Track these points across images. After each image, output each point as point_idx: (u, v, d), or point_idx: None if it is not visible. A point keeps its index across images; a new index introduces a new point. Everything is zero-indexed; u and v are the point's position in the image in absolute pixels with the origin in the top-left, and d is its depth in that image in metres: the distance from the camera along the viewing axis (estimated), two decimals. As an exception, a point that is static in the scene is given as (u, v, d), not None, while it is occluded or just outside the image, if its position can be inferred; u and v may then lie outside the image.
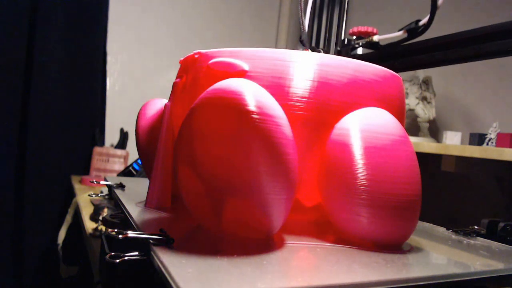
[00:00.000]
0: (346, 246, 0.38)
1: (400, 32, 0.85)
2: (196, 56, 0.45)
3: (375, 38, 0.93)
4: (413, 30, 0.81)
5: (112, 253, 0.32)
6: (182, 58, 0.50)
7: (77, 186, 1.27)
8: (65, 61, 1.49)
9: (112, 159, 1.42)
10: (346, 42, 1.00)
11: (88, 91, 1.53)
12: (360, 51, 0.96)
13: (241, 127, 0.33)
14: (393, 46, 0.84)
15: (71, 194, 1.33)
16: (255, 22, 1.89)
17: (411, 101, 1.15)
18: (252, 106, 0.33)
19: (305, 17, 0.57)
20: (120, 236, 0.31)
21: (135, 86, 1.66)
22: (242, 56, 0.41)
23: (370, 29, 0.95)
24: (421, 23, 0.81)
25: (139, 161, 1.21)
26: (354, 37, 0.98)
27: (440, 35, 0.74)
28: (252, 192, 0.33)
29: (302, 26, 0.55)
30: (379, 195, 0.36)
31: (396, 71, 0.46)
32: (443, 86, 1.23)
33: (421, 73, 1.18)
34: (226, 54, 0.42)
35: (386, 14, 1.49)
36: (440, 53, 0.73)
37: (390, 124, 0.39)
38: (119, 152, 1.43)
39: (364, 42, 0.94)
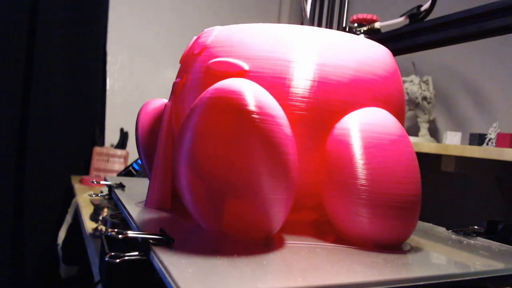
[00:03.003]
0: (346, 246, 0.38)
1: (402, 18, 0.85)
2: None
3: (377, 25, 0.93)
4: (415, 15, 0.81)
5: (112, 253, 0.32)
6: (182, 58, 0.50)
7: (77, 186, 1.27)
8: (65, 61, 1.49)
9: (112, 159, 1.42)
10: (347, 30, 1.00)
11: (88, 91, 1.53)
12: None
13: (241, 127, 0.33)
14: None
15: (71, 194, 1.33)
16: (256, 12, 1.88)
17: (411, 101, 1.15)
18: (252, 106, 0.33)
19: (307, 4, 0.57)
20: (120, 236, 0.31)
21: (135, 86, 1.66)
22: (244, 52, 0.41)
23: (372, 16, 0.95)
24: (422, 8, 0.80)
25: (139, 161, 1.21)
26: (356, 25, 0.98)
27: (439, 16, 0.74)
28: (252, 192, 0.33)
29: (304, 12, 0.55)
30: (379, 195, 0.36)
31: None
32: (443, 86, 1.23)
33: (421, 74, 1.18)
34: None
35: (388, 1, 1.49)
36: (441, 33, 0.73)
37: (390, 124, 0.39)
38: (119, 152, 1.43)
39: (365, 29, 0.94)
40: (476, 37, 0.71)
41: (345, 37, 0.43)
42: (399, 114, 0.44)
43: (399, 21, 0.86)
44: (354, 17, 0.99)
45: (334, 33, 0.43)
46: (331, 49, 0.41)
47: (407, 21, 0.84)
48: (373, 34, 0.94)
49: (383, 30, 0.95)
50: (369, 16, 0.96)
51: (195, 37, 0.48)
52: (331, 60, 0.40)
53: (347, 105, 0.40)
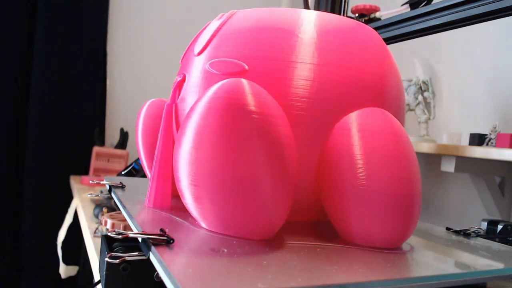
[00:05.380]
0: (346, 246, 0.38)
1: (403, 7, 0.84)
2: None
3: (378, 14, 0.92)
4: (416, 3, 0.81)
5: (112, 253, 0.32)
6: (182, 58, 0.50)
7: (77, 186, 1.27)
8: (65, 60, 1.49)
9: (112, 159, 1.42)
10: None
11: (88, 91, 1.53)
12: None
13: (241, 127, 0.33)
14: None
15: (71, 194, 1.33)
16: (257, 5, 1.88)
17: (411, 102, 1.15)
18: (252, 106, 0.33)
19: None
20: (120, 236, 0.31)
21: (135, 86, 1.66)
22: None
23: (372, 6, 0.95)
24: None
25: (139, 161, 1.21)
26: (357, 15, 0.98)
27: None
28: (252, 192, 0.33)
29: (305, 2, 0.55)
30: (379, 195, 0.36)
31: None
32: (443, 86, 1.23)
33: (421, 74, 1.18)
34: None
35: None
36: (440, 18, 0.72)
37: (390, 124, 0.39)
38: (119, 152, 1.43)
39: (366, 19, 0.94)
40: (478, 20, 0.70)
41: (346, 34, 0.43)
42: (399, 114, 0.44)
43: (400, 10, 0.85)
44: (355, 7, 0.98)
45: (335, 29, 0.43)
46: (331, 48, 0.41)
47: (409, 10, 0.83)
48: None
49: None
50: (370, 6, 0.95)
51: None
52: (331, 60, 0.40)
53: (347, 105, 0.40)
